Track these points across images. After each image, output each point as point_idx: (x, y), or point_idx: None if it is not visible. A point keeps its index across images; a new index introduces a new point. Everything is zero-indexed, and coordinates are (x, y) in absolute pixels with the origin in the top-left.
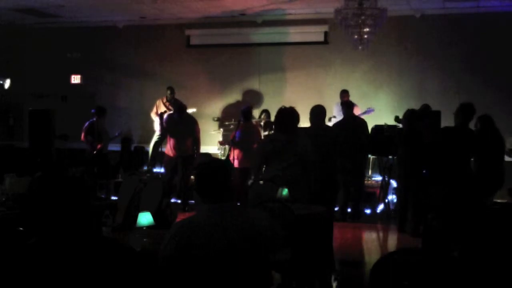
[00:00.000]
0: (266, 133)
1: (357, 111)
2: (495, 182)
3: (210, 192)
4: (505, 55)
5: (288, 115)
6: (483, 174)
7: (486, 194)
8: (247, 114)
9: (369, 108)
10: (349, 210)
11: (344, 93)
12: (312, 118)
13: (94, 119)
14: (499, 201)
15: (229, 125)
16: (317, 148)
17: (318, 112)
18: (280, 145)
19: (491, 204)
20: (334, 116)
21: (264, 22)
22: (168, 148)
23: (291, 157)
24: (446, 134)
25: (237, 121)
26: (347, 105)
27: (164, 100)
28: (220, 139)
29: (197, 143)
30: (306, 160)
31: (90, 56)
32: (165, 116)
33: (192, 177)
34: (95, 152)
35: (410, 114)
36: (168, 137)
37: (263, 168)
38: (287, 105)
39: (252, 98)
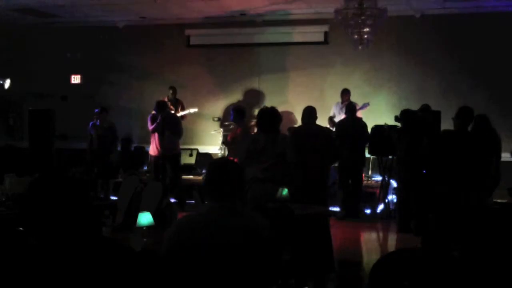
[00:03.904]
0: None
1: (358, 113)
2: (491, 182)
3: (222, 190)
4: (505, 55)
5: (270, 115)
6: (480, 173)
7: (484, 194)
8: (242, 115)
9: (365, 103)
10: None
11: (346, 93)
12: (304, 118)
13: (95, 120)
14: (499, 201)
15: (229, 125)
16: (305, 148)
17: (309, 112)
18: (261, 145)
19: (491, 204)
20: (334, 115)
21: (264, 22)
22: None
23: (272, 158)
24: (445, 137)
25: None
26: (351, 109)
27: (166, 100)
28: (220, 139)
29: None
30: (286, 160)
31: (90, 56)
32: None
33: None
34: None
35: (405, 114)
36: (152, 136)
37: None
38: (288, 105)
39: (252, 98)
